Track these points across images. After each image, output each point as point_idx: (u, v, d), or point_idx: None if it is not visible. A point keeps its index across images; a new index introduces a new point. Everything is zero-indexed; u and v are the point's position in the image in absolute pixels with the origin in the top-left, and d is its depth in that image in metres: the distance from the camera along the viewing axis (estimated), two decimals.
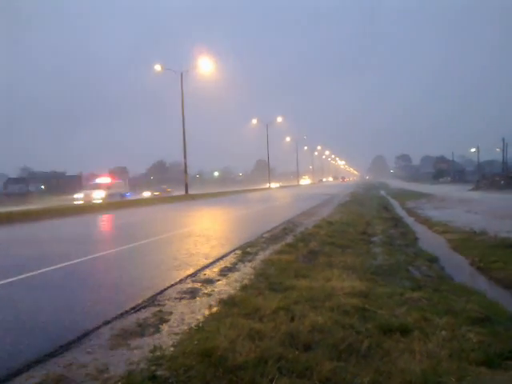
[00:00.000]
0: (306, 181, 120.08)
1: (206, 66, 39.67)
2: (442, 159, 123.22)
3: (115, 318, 4.95)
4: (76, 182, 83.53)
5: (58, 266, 8.07)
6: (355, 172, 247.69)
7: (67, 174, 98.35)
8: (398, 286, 6.38)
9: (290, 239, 10.87)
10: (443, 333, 4.27)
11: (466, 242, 11.20)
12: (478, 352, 3.80)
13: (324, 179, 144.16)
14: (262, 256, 8.71)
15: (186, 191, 40.42)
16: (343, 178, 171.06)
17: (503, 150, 68.07)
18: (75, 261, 8.51)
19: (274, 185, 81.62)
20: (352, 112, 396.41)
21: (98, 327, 4.66)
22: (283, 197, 39.13)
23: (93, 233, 14.91)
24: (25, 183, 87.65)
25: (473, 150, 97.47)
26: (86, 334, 4.45)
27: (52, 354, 3.95)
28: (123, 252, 9.80)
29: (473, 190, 46.94)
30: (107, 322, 4.82)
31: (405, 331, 4.32)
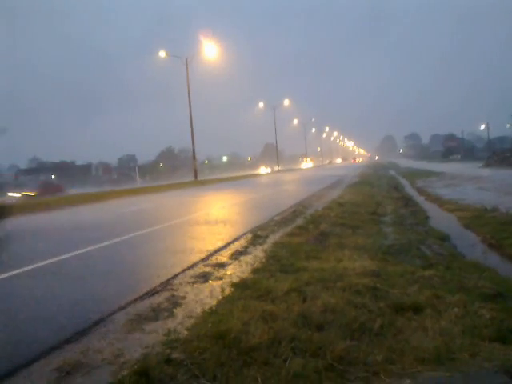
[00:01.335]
0: (308, 164, 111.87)
1: (212, 51, 39.45)
2: (451, 137, 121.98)
3: (129, 304, 5.02)
4: (86, 172, 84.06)
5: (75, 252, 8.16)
6: (364, 153, 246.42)
7: (77, 164, 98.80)
8: (410, 265, 6.37)
9: (300, 221, 10.88)
10: (455, 310, 4.27)
11: (477, 219, 11.12)
12: (490, 328, 3.80)
13: (327, 161, 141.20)
14: (272, 239, 8.74)
15: (196, 177, 40.55)
16: (354, 158, 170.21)
17: None
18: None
19: (264, 170, 79.09)
20: (361, 93, 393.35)
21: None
22: (292, 180, 39.06)
23: (108, 219, 15.00)
24: (35, 174, 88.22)
25: (482, 126, 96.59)
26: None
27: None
28: (135, 238, 9.87)
29: (483, 167, 46.48)
30: (121, 308, 4.89)
31: (417, 309, 4.32)
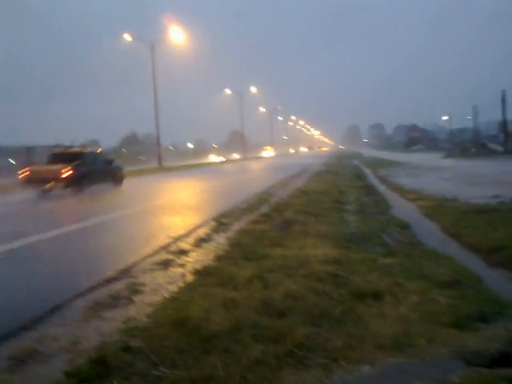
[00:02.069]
0: (268, 152, 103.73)
1: (178, 36, 38.90)
2: (414, 127, 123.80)
3: (87, 291, 4.92)
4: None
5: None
6: (330, 142, 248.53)
7: (38, 148, 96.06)
8: (371, 253, 6.44)
9: (264, 209, 10.88)
10: (414, 297, 4.34)
11: (438, 208, 11.35)
12: (448, 315, 3.88)
13: (292, 150, 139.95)
14: (236, 226, 8.71)
15: (160, 163, 40.07)
16: (320, 147, 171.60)
17: (474, 118, 69.11)
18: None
19: (214, 158, 75.35)
20: (327, 83, 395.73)
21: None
22: (258, 168, 39.09)
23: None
24: None
25: (445, 118, 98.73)
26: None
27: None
28: (95, 226, 9.69)
29: (445, 157, 47.45)
30: (79, 295, 4.78)
31: (377, 296, 4.37)
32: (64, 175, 16.69)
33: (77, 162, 17.43)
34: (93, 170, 18.38)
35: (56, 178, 16.62)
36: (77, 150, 19.48)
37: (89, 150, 20.36)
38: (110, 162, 20.47)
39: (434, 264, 5.89)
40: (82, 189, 17.33)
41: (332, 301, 4.20)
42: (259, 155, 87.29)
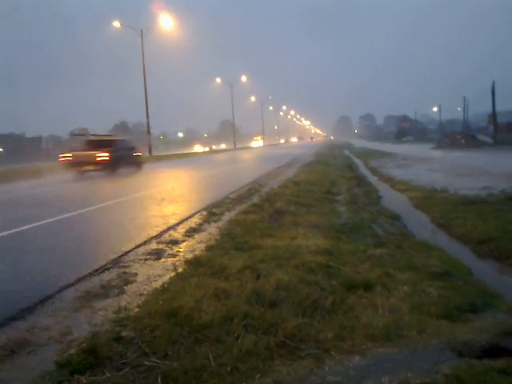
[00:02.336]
0: (258, 142, 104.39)
1: (168, 24, 38.60)
2: (404, 118, 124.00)
3: (78, 281, 4.89)
4: (36, 145, 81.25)
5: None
6: (321, 132, 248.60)
7: (27, 137, 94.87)
8: (362, 244, 6.47)
9: (255, 199, 10.87)
10: (405, 288, 4.36)
11: (428, 199, 11.42)
12: (438, 306, 3.91)
13: (282, 140, 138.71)
14: (227, 216, 8.70)
15: (150, 152, 39.87)
16: (311, 137, 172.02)
17: (464, 109, 69.33)
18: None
19: (199, 148, 74.02)
20: (319, 73, 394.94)
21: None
22: (249, 158, 39.03)
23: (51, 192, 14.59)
24: None
25: (435, 109, 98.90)
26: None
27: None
28: (88, 213, 9.63)
29: (434, 148, 47.72)
30: (70, 285, 4.75)
31: (368, 287, 4.39)
32: (101, 159, 19.69)
33: (110, 148, 20.42)
34: (122, 156, 21.50)
35: (94, 161, 19.66)
36: (109, 137, 22.98)
37: (119, 137, 24.06)
38: (133, 148, 23.49)
39: (425, 255, 5.94)
40: (114, 171, 20.58)
41: (323, 291, 4.21)
42: (248, 145, 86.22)
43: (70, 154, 20.08)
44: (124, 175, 20.60)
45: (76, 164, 19.97)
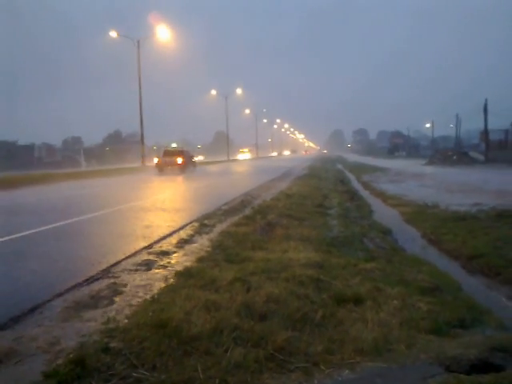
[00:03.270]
0: (244, 155, 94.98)
1: (165, 35, 38.82)
2: (397, 134, 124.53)
3: (67, 290, 4.86)
4: (28, 153, 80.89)
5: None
6: (314, 146, 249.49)
7: (19, 144, 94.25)
8: (353, 257, 6.49)
9: (247, 211, 10.87)
10: (395, 302, 4.38)
11: (419, 214, 11.48)
12: (427, 320, 3.92)
13: (274, 153, 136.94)
14: (219, 228, 8.69)
15: (143, 162, 39.83)
16: (306, 151, 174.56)
17: (456, 126, 69.83)
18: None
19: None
20: (312, 87, 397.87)
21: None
22: (241, 171, 39.08)
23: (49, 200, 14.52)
24: None
25: (428, 125, 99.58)
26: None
27: None
28: (73, 224, 9.60)
29: (426, 164, 47.96)
30: (59, 294, 4.72)
31: (358, 301, 4.40)
32: (179, 162, 31.41)
33: (182, 155, 32.27)
34: (188, 160, 33.40)
35: (175, 164, 31.48)
36: (180, 148, 35.76)
37: (185, 148, 37.39)
38: (192, 156, 36.99)
39: (415, 270, 5.96)
40: (185, 171, 31.82)
41: (313, 305, 4.21)
42: (234, 158, 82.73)
43: (159, 159, 32.23)
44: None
45: (162, 166, 31.62)
